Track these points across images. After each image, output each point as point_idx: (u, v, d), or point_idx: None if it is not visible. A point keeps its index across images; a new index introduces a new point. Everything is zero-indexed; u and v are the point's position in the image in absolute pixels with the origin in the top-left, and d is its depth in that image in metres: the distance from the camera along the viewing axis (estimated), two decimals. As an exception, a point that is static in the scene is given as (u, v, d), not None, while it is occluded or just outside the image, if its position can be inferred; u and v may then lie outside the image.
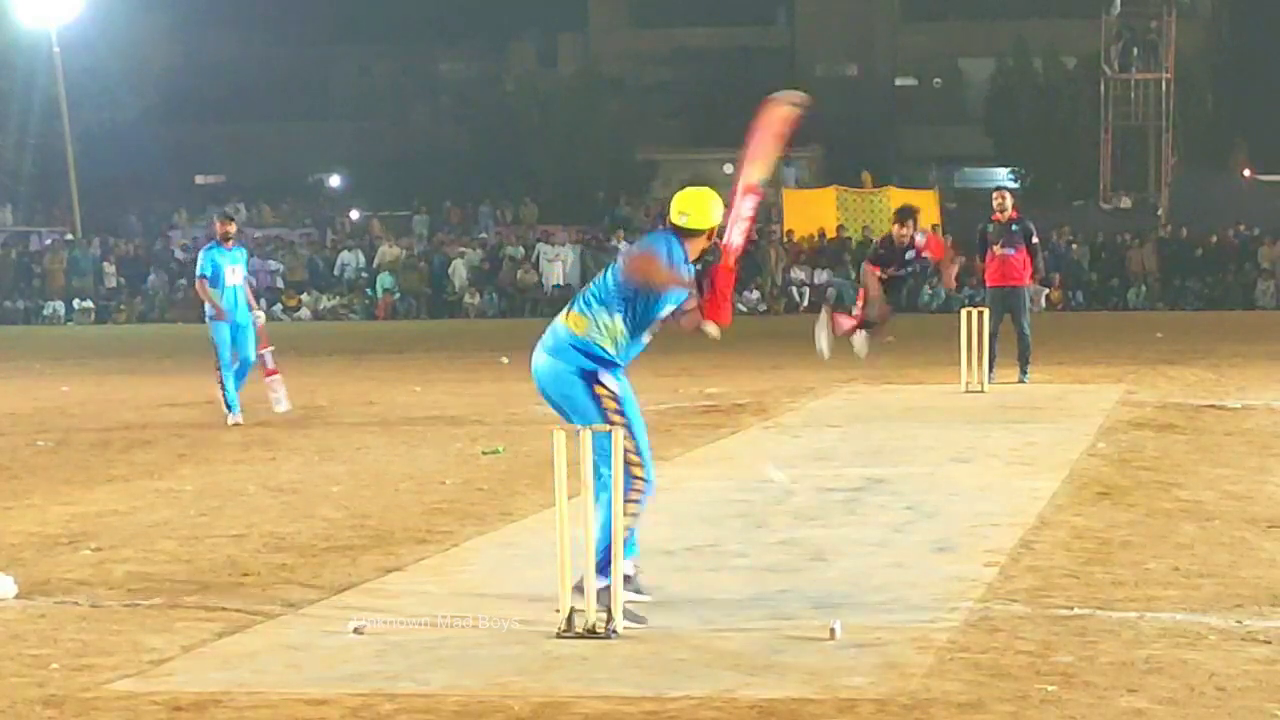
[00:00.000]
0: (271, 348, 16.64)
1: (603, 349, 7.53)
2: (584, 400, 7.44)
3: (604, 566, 7.07)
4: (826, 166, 54.96)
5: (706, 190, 7.97)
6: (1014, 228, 19.05)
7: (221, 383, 16.15)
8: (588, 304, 7.62)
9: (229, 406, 16.10)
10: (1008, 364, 19.00)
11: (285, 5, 58.57)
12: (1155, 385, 18.64)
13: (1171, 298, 40.91)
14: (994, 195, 20.55)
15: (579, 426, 7.24)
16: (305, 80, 61.30)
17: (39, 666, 6.75)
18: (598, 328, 7.56)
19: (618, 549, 7.06)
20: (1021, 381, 18.64)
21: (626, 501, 7.21)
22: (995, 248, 19.14)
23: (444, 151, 54.42)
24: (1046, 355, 19.88)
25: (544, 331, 7.77)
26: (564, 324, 7.65)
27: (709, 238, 7.90)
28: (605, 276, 7.67)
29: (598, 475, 7.19)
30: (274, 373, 16.54)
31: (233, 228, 16.86)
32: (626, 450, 7.26)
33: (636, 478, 7.37)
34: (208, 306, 16.31)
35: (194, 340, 33.54)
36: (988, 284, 19.34)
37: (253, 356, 16.31)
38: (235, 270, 16.38)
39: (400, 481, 11.96)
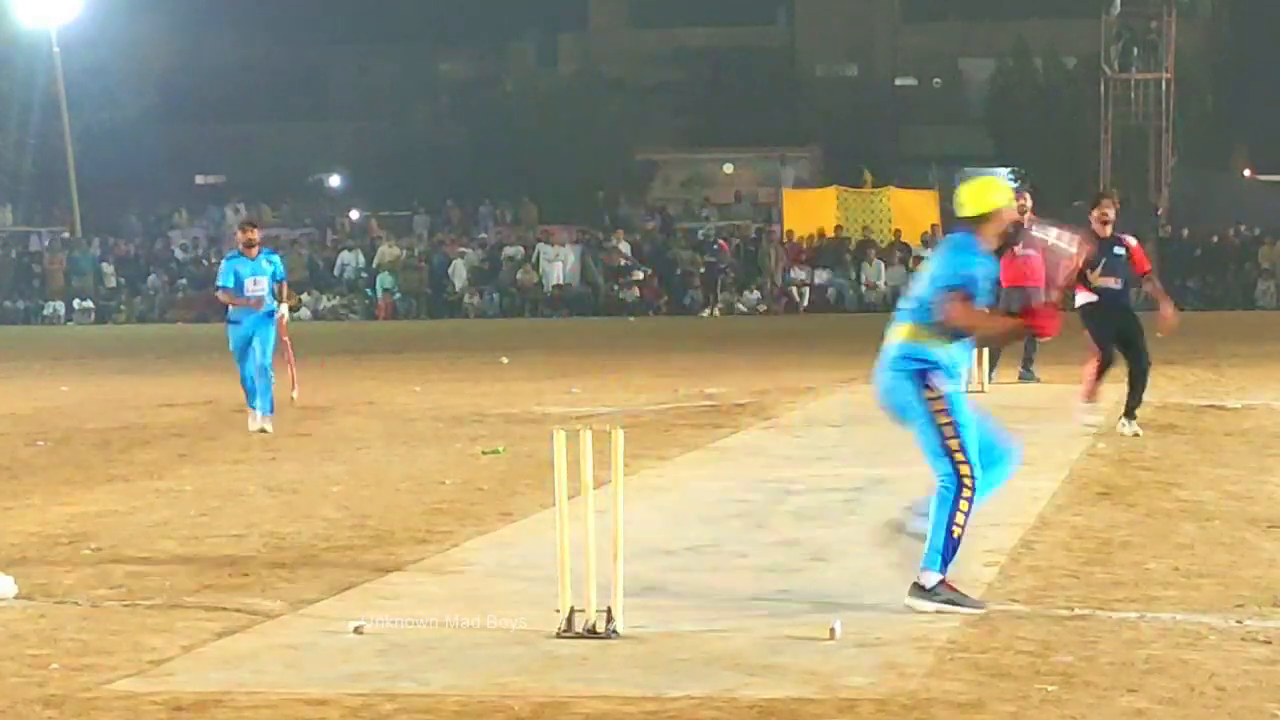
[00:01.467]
0: (286, 338, 16.59)
1: (932, 352, 7.64)
2: (915, 405, 7.58)
3: (945, 562, 7.40)
4: (826, 166, 54.96)
5: (980, 179, 8.34)
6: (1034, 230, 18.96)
7: (244, 387, 15.92)
8: (911, 315, 7.76)
9: (252, 406, 15.80)
10: (1005, 364, 19.01)
11: (285, 5, 58.56)
12: (1155, 385, 18.61)
13: (1172, 298, 40.88)
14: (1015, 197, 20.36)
15: (917, 441, 7.57)
16: (305, 80, 61.30)
17: (39, 666, 6.75)
18: (926, 332, 7.68)
19: (617, 549, 7.07)
20: (1024, 380, 18.62)
21: (958, 500, 7.46)
22: (1015, 249, 19.04)
23: (444, 151, 54.39)
24: (1047, 355, 19.84)
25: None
26: (895, 340, 7.81)
27: (998, 220, 7.91)
28: (923, 292, 7.74)
29: (937, 475, 7.51)
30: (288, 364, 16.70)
31: (255, 234, 16.43)
32: (953, 451, 7.45)
33: (965, 478, 7.48)
34: (230, 310, 16.13)
35: (194, 340, 33.57)
36: (1003, 284, 19.19)
37: (269, 363, 15.88)
38: (258, 281, 15.98)
39: (400, 481, 11.96)
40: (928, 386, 7.55)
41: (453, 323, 39.83)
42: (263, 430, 15.39)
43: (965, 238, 7.88)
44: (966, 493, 7.47)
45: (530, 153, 51.50)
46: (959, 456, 7.48)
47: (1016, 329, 8.26)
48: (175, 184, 54.65)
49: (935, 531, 7.45)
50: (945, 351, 7.64)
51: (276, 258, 16.63)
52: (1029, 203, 19.53)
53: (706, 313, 40.50)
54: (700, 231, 46.14)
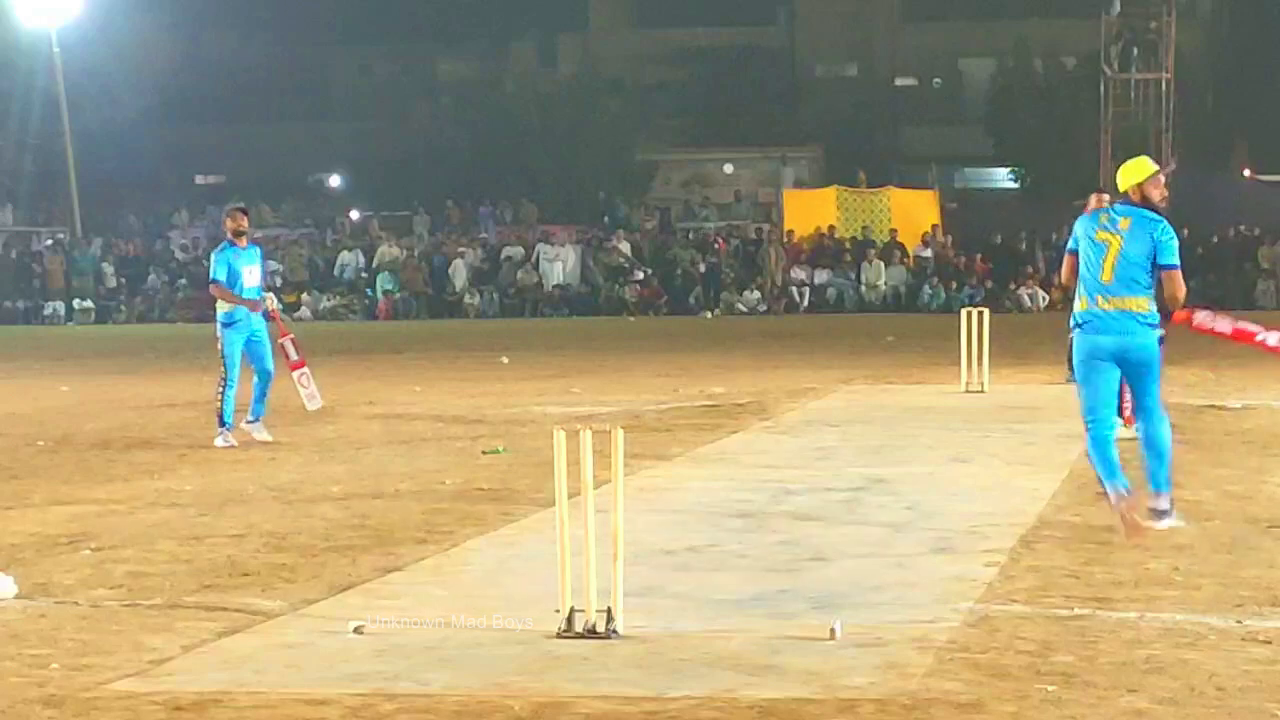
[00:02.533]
0: (292, 335, 15.46)
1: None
2: (1158, 358, 9.49)
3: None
4: (826, 166, 54.96)
5: (1130, 162, 9.92)
6: None
7: (222, 398, 14.45)
8: (1144, 289, 9.50)
9: (222, 422, 14.44)
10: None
11: (285, 5, 58.56)
12: (1155, 385, 18.61)
13: (1171, 298, 40.90)
14: (1092, 198, 20.00)
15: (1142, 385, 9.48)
16: (305, 80, 61.29)
17: (39, 666, 6.75)
18: (1154, 303, 9.44)
19: (617, 549, 7.06)
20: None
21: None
22: None
23: (444, 151, 54.39)
24: (1047, 355, 19.86)
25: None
26: (1134, 309, 9.47)
27: (1137, 191, 9.63)
28: (1144, 259, 9.46)
29: (1158, 412, 9.54)
30: (300, 365, 15.35)
31: (245, 222, 14.79)
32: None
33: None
34: (222, 312, 14.58)
35: (194, 340, 33.56)
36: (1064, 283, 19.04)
37: (272, 367, 14.72)
38: (253, 271, 14.67)
39: (400, 481, 11.96)
40: (1161, 344, 9.36)
41: (453, 323, 39.83)
42: (263, 440, 14.52)
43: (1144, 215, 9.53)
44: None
45: (530, 153, 51.49)
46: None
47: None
48: (175, 184, 54.66)
49: (1168, 456, 9.41)
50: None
51: (257, 249, 15.05)
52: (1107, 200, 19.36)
53: (708, 314, 40.44)
54: (690, 233, 46.07)
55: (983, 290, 39.34)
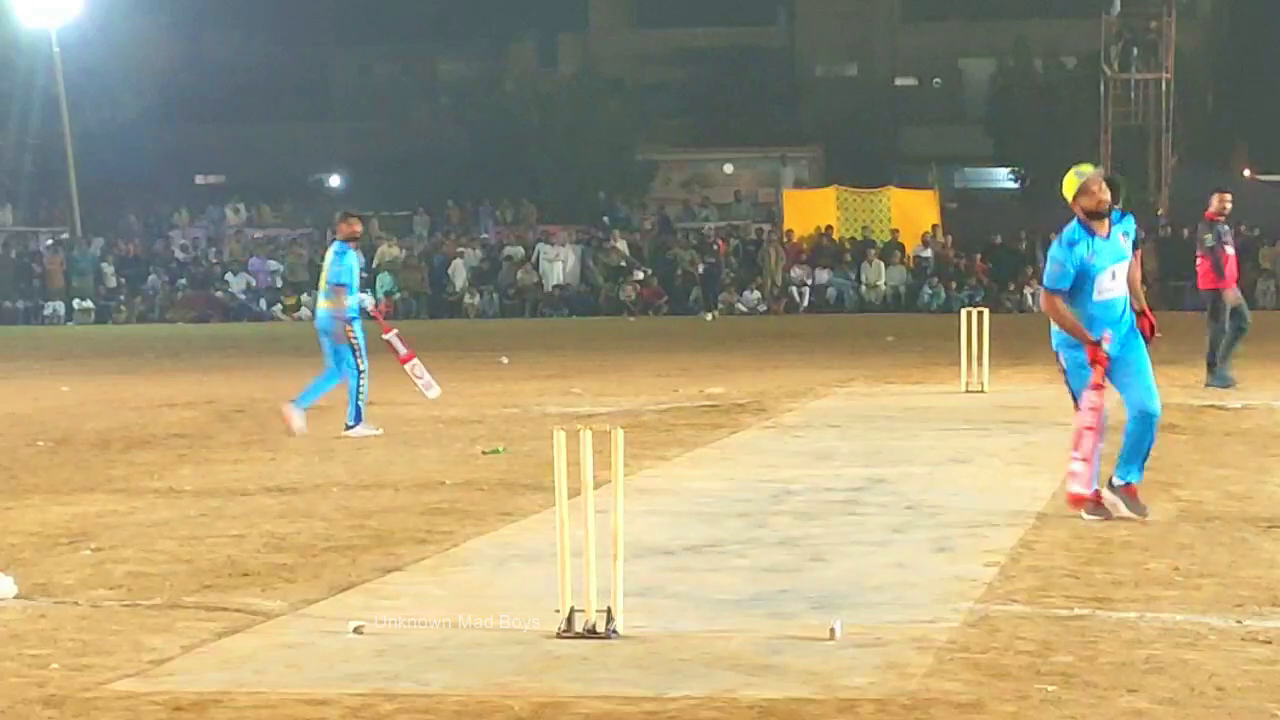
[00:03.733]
0: (395, 329, 16.16)
1: None
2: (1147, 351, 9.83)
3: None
4: (826, 166, 54.97)
5: (1070, 173, 9.96)
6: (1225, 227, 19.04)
7: (360, 392, 15.05)
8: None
9: (358, 418, 15.04)
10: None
11: (285, 5, 58.57)
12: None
13: (1171, 298, 40.91)
14: (1217, 197, 19.87)
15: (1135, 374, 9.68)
16: (305, 80, 61.30)
17: (39, 666, 6.75)
18: None
19: (617, 549, 7.06)
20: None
21: None
22: (1225, 248, 19.03)
23: (444, 151, 54.41)
24: (1047, 355, 19.83)
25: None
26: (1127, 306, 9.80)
27: (1076, 205, 9.89)
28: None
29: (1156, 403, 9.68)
30: (410, 357, 16.01)
31: (359, 227, 15.81)
32: None
33: None
34: (348, 309, 15.07)
35: (194, 340, 33.58)
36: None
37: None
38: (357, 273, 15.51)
39: (400, 481, 11.96)
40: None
41: (453, 323, 39.82)
42: (298, 430, 14.92)
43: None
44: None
45: (530, 153, 51.51)
46: None
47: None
48: (175, 184, 54.65)
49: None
50: None
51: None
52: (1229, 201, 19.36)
53: (708, 316, 40.36)
54: (690, 233, 46.05)
55: (982, 290, 39.35)
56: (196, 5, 55.45)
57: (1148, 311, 9.89)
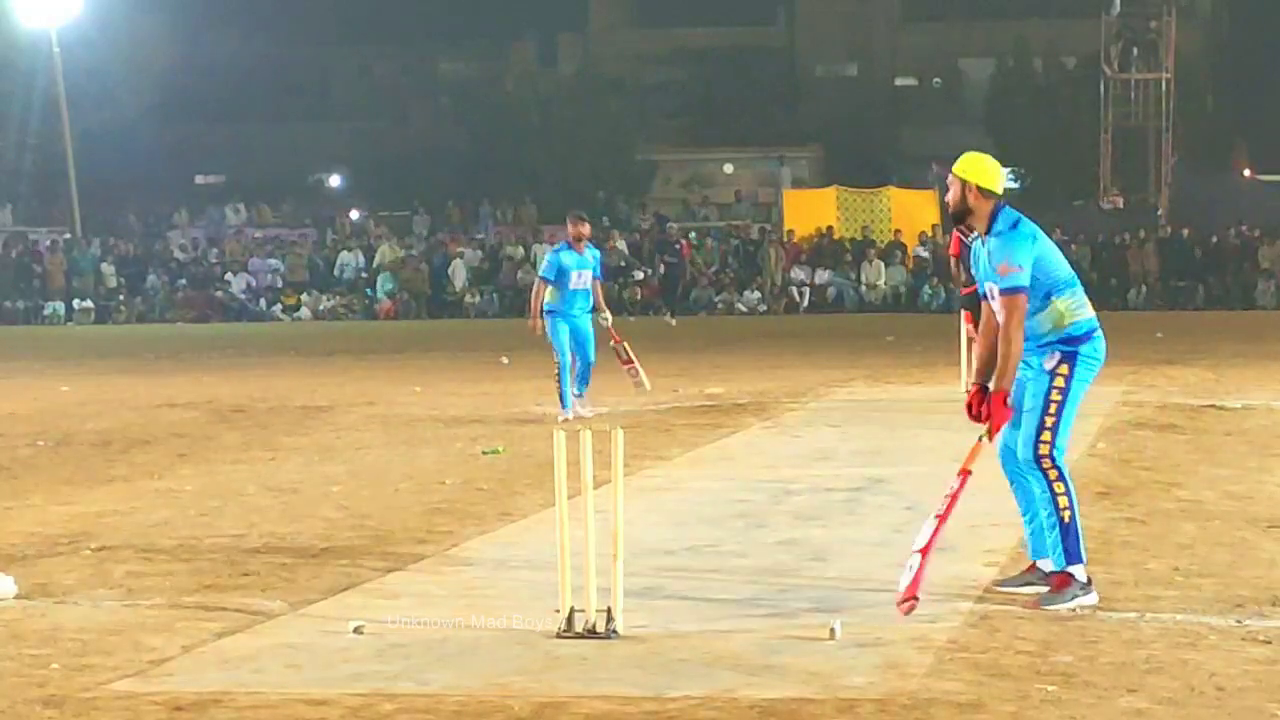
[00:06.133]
0: (624, 341, 17.09)
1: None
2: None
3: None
4: (826, 166, 54.97)
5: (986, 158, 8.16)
6: None
7: (559, 380, 16.08)
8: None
9: (563, 404, 16.06)
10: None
11: (285, 5, 58.59)
12: (1155, 385, 18.64)
13: (1171, 298, 40.93)
14: None
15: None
16: (305, 80, 61.32)
17: (39, 666, 6.74)
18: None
19: (617, 548, 7.07)
20: None
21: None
22: None
23: (444, 151, 54.42)
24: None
25: None
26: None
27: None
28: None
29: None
30: (629, 364, 17.12)
31: (586, 229, 16.41)
32: None
33: None
34: (544, 301, 16.12)
35: (194, 340, 33.58)
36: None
37: (594, 358, 16.33)
38: (582, 275, 16.12)
39: (400, 481, 11.96)
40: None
41: (452, 323, 39.82)
42: (580, 415, 15.92)
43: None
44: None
45: (530, 153, 51.51)
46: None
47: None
48: (175, 184, 54.66)
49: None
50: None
51: (595, 252, 16.61)
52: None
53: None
54: (691, 233, 46.04)
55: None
56: (196, 5, 55.48)
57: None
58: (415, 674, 6.50)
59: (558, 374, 16.12)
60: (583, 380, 16.35)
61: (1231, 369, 20.73)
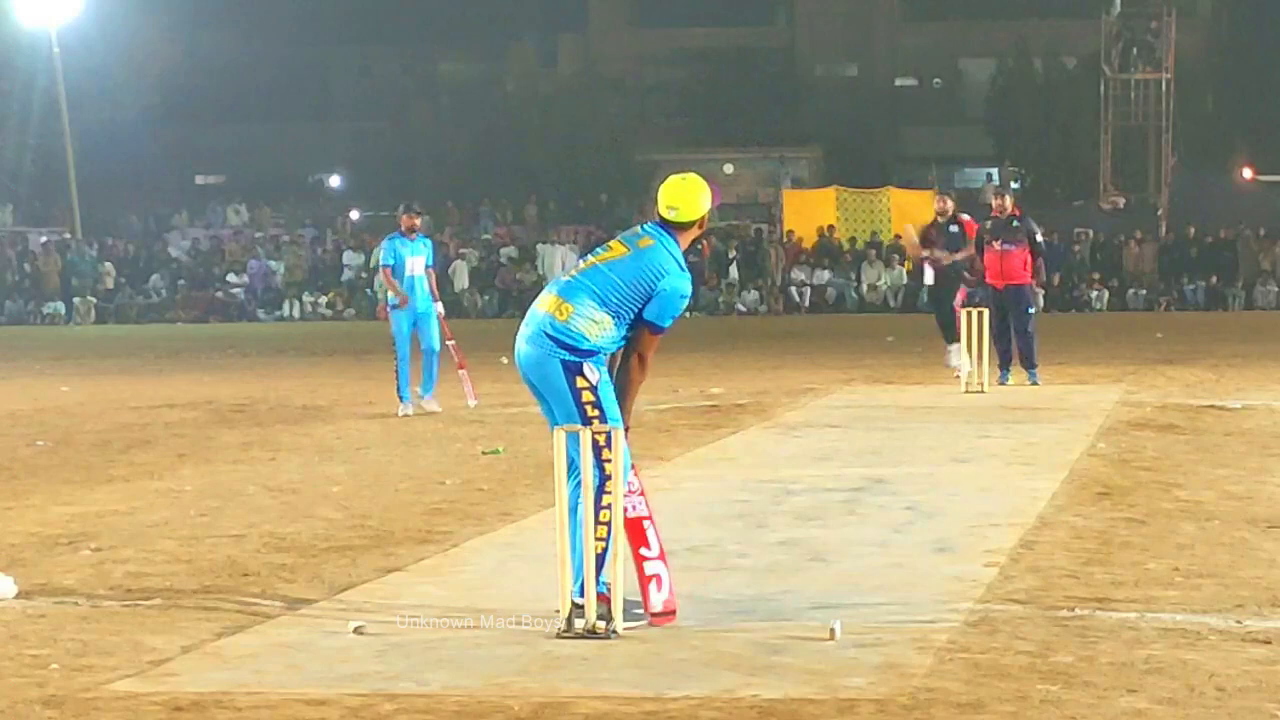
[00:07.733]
0: (453, 340, 17.41)
1: (589, 340, 7.32)
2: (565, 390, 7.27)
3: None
4: (826, 166, 54.97)
5: (693, 179, 7.57)
6: (1014, 224, 18.86)
7: (397, 373, 16.82)
8: (585, 295, 7.34)
9: (401, 397, 16.76)
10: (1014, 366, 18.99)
11: (285, 5, 58.56)
12: (1155, 385, 18.64)
13: (1171, 297, 40.93)
14: (993, 194, 20.51)
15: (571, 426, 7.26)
16: (305, 80, 61.30)
17: (39, 666, 6.74)
18: (586, 320, 7.32)
19: (616, 548, 7.06)
20: (1032, 383, 18.54)
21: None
22: (995, 244, 18.94)
23: (444, 151, 54.43)
24: (1047, 355, 19.86)
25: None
26: (545, 311, 7.30)
27: (700, 226, 7.58)
28: (621, 282, 7.39)
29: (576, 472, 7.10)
30: (463, 366, 17.50)
31: (418, 221, 17.37)
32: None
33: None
34: (388, 295, 17.13)
35: (194, 340, 33.56)
36: (987, 281, 19.13)
37: (437, 345, 17.03)
38: (417, 261, 16.97)
39: (400, 481, 11.95)
40: (581, 375, 7.37)
41: (453, 323, 39.73)
42: (431, 412, 16.52)
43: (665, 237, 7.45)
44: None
45: (530, 153, 51.51)
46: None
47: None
48: (175, 184, 54.68)
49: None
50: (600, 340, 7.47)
51: (426, 242, 17.41)
52: (1009, 201, 19.49)
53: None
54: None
55: (983, 289, 39.30)
56: (196, 5, 55.43)
57: None
58: (415, 674, 6.49)
59: (396, 366, 16.87)
60: (429, 368, 16.98)
61: (1231, 369, 20.72)
